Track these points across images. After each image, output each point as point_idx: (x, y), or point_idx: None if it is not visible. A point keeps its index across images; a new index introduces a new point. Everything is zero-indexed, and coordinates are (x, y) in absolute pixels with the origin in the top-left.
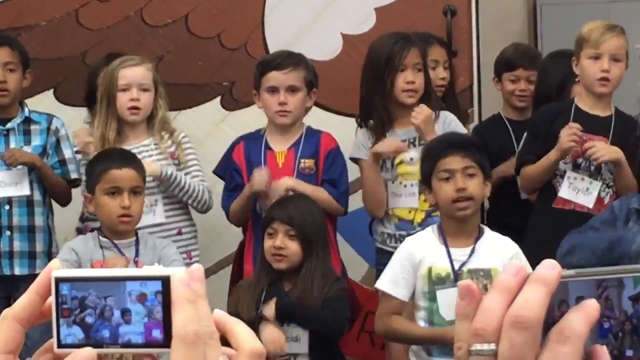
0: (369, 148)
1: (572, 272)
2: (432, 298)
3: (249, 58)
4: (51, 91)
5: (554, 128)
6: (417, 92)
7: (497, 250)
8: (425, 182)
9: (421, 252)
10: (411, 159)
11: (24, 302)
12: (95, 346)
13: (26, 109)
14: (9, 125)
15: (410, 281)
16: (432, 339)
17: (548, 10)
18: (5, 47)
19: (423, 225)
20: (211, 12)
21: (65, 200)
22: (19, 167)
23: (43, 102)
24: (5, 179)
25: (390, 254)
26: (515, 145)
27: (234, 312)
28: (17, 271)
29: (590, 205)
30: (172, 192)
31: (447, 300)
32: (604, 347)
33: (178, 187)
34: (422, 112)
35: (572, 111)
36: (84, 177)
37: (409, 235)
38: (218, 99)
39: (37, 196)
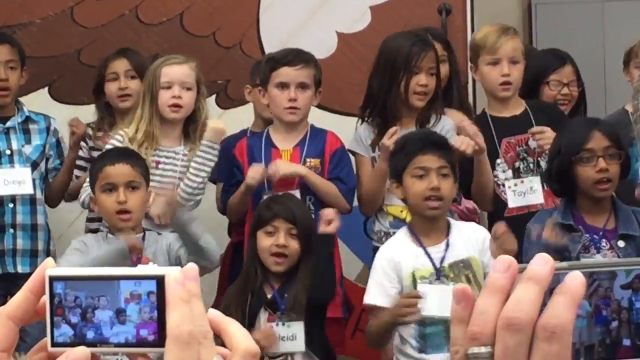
0: (368, 145)
1: (565, 264)
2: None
3: (244, 56)
4: (46, 89)
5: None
6: (428, 95)
7: (469, 239)
8: (396, 177)
9: (400, 257)
10: None
11: (18, 300)
12: (88, 345)
13: (25, 109)
14: (9, 123)
15: (395, 287)
16: (385, 322)
17: (543, 9)
18: (5, 45)
19: None
20: (206, 11)
21: (59, 201)
22: (22, 166)
23: (38, 100)
24: (9, 177)
25: None
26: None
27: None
28: (20, 269)
29: (542, 201)
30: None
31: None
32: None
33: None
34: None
35: (486, 119)
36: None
37: None
38: (213, 97)
39: (39, 195)
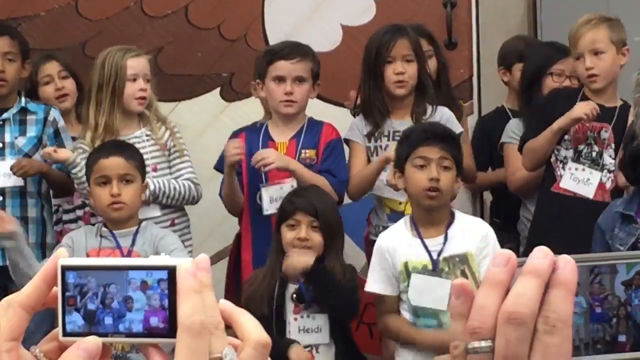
0: (364, 134)
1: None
2: None
3: (248, 49)
4: None
5: (558, 111)
6: (408, 82)
7: (469, 234)
8: (399, 166)
9: (394, 247)
10: None
11: (29, 289)
12: (100, 335)
13: (23, 99)
14: (4, 115)
15: (393, 277)
16: (433, 344)
17: (548, 3)
18: (4, 37)
19: None
20: (211, 3)
21: (66, 193)
22: (13, 158)
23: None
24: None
25: None
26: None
27: (248, 305)
28: None
29: (590, 196)
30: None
31: (419, 284)
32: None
33: (167, 198)
34: None
35: (579, 98)
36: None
37: None
38: (217, 90)
39: (31, 187)
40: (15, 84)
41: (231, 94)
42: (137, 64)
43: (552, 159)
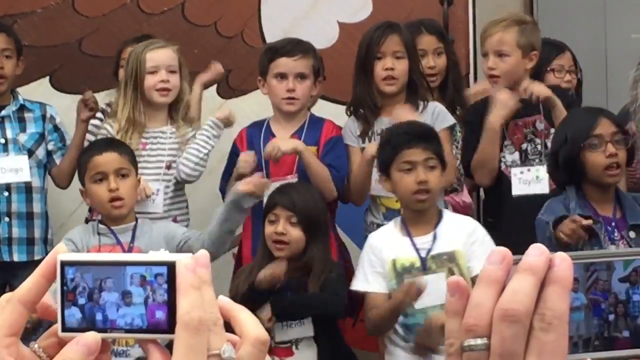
0: (357, 135)
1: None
2: None
3: (245, 46)
4: (47, 78)
5: (484, 118)
6: (398, 79)
7: (457, 231)
8: (383, 170)
9: (383, 246)
10: None
11: (29, 285)
12: (99, 331)
13: (20, 97)
14: (3, 112)
15: (381, 274)
16: (393, 306)
17: (544, 0)
18: (2, 34)
19: None
20: (208, 0)
21: (68, 183)
22: (17, 154)
23: (39, 90)
24: (5, 164)
25: None
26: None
27: (232, 299)
28: (16, 258)
29: (547, 191)
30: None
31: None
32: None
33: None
34: (401, 114)
35: (493, 102)
36: None
37: None
38: (214, 87)
39: (36, 182)
40: (12, 80)
41: (228, 91)
42: (158, 56)
43: (502, 167)
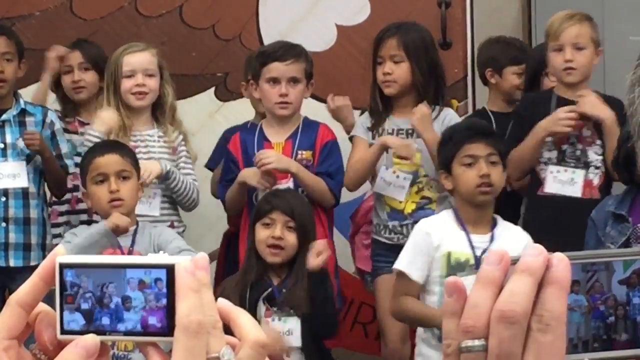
0: (367, 128)
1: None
2: None
3: (243, 49)
4: None
5: (536, 115)
6: (396, 82)
7: (513, 239)
8: (444, 167)
9: (439, 236)
10: None
11: (27, 287)
12: (98, 333)
13: (21, 101)
14: (4, 116)
15: (426, 263)
16: (423, 317)
17: (542, 1)
18: (2, 37)
19: (414, 216)
20: (205, 3)
21: (62, 192)
22: (15, 159)
23: None
24: (3, 170)
25: (385, 244)
26: None
27: None
28: (12, 263)
29: (578, 195)
30: (169, 188)
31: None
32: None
33: (176, 185)
34: (418, 110)
35: (553, 99)
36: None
37: (401, 226)
38: (212, 89)
39: (33, 188)
40: (13, 84)
41: (226, 94)
42: (134, 60)
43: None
